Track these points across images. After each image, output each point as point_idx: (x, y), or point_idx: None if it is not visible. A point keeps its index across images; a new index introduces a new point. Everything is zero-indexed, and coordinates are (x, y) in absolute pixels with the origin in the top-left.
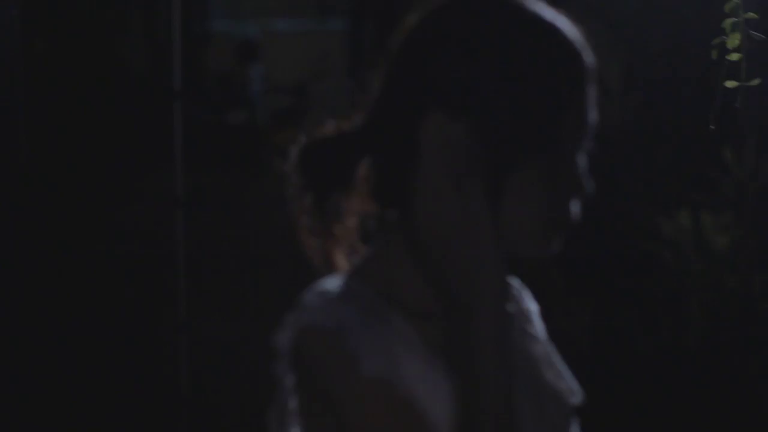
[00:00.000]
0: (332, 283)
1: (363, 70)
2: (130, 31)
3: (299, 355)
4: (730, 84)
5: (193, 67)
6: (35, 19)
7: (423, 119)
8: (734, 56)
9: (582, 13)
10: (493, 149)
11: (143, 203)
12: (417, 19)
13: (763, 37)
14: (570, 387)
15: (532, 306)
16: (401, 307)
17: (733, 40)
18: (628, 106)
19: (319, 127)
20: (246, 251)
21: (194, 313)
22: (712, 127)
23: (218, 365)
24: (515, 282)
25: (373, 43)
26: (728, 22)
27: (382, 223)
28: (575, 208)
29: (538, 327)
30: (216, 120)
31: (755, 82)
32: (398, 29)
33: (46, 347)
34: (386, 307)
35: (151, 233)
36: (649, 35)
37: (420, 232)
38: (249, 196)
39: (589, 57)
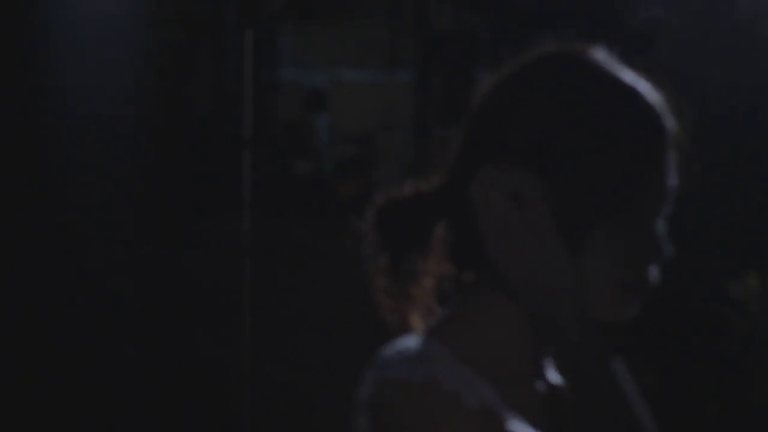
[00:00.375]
0: (410, 341)
1: (429, 122)
2: (200, 79)
3: (384, 410)
4: None
5: (261, 115)
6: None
7: (501, 178)
8: None
9: (650, 71)
10: (570, 208)
11: (211, 250)
12: (497, 79)
13: None
14: None
15: None
16: (481, 370)
17: None
18: (696, 166)
19: (398, 187)
20: (311, 300)
21: (259, 361)
22: None
23: (283, 415)
24: None
25: (440, 95)
26: None
27: (458, 284)
28: (654, 272)
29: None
30: (283, 168)
31: None
32: (478, 89)
33: (111, 392)
34: (466, 369)
35: (217, 280)
36: (720, 95)
37: (508, 289)
38: (314, 245)
39: (669, 122)
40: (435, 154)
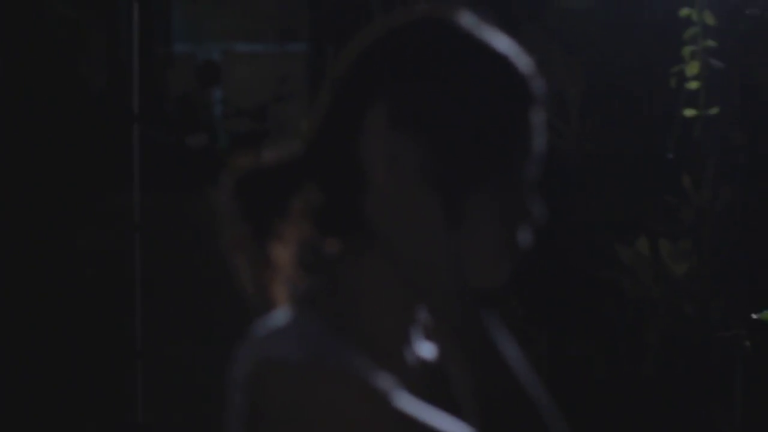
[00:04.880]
0: (282, 316)
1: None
2: (89, 53)
3: (265, 391)
4: (689, 113)
5: (152, 89)
6: None
7: (372, 140)
8: (693, 84)
9: (540, 37)
10: (445, 174)
11: (101, 226)
12: (366, 40)
13: (722, 64)
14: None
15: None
16: (358, 341)
17: (693, 68)
18: (585, 131)
19: (257, 154)
20: (203, 275)
21: (151, 337)
22: (669, 155)
23: (175, 390)
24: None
25: (333, 66)
26: (687, 50)
27: (322, 252)
28: (526, 235)
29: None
30: (175, 142)
31: (714, 111)
32: (344, 50)
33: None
34: (341, 341)
35: (108, 256)
36: (608, 60)
37: (382, 254)
38: (207, 220)
39: (538, 85)
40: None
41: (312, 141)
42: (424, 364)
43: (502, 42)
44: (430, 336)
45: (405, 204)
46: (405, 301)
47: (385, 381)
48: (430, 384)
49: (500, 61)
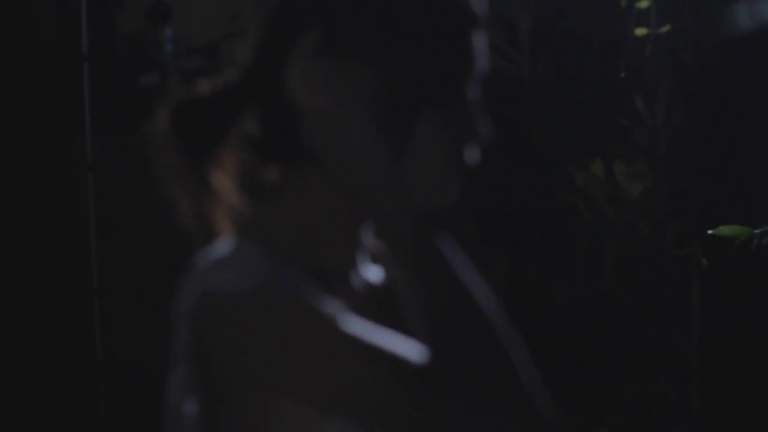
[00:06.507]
0: (226, 246)
1: None
2: None
3: (210, 323)
4: (640, 32)
5: (102, 29)
6: None
7: (303, 66)
8: (643, 3)
9: None
10: (393, 98)
11: (53, 167)
12: None
13: None
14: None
15: None
16: (303, 268)
17: None
18: (538, 56)
19: (195, 85)
20: (157, 214)
21: (106, 277)
22: (621, 75)
23: (132, 327)
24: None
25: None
26: None
27: (263, 179)
28: (473, 153)
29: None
30: (126, 82)
31: (665, 29)
32: None
33: None
34: (286, 268)
35: (61, 197)
36: None
37: (325, 180)
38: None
39: (479, 4)
40: None
41: (247, 69)
42: (371, 287)
43: None
44: (376, 259)
45: (341, 129)
46: (349, 225)
47: (332, 306)
48: (378, 307)
49: None
